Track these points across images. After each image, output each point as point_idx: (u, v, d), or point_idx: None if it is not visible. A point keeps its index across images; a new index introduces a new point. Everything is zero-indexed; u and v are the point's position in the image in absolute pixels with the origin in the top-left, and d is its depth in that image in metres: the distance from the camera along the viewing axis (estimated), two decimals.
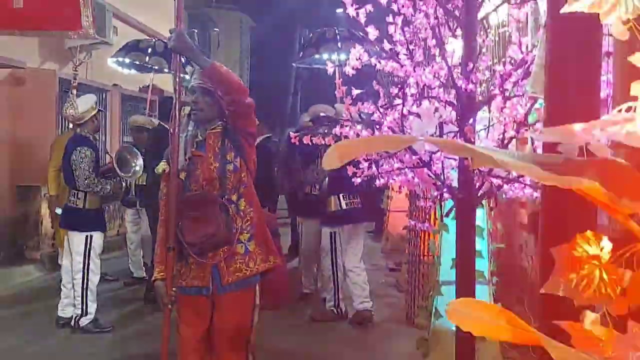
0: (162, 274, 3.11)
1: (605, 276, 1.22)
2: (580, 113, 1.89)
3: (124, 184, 6.23)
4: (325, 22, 27.69)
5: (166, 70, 9.18)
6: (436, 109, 3.17)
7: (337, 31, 7.24)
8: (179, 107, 3.31)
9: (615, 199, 1.17)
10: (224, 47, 25.06)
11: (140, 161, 6.26)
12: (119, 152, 6.16)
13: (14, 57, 8.42)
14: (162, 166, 3.35)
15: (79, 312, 5.67)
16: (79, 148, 5.63)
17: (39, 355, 5.23)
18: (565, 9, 1.10)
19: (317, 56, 7.41)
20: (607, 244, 1.23)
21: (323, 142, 3.29)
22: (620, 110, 1.18)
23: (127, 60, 9.36)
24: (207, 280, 3.12)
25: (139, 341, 5.50)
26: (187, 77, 8.95)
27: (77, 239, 5.71)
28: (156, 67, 9.25)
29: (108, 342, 5.58)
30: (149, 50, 9.11)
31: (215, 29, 19.93)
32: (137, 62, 9.28)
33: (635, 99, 1.16)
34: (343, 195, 6.01)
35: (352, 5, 3.32)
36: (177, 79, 3.36)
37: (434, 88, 3.13)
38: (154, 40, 9.57)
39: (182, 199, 3.14)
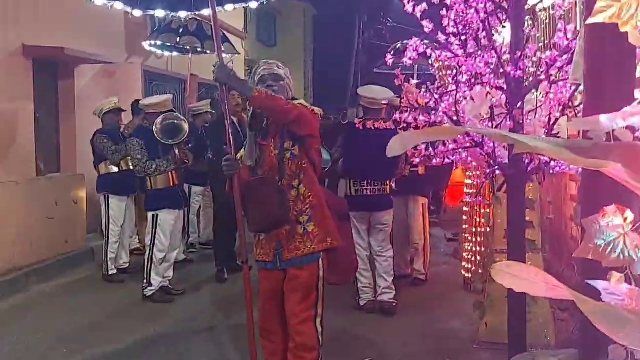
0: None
1: (627, 242, 1.35)
2: (617, 101, 1.99)
3: (182, 151, 6.03)
4: (382, 9, 27.56)
5: (199, 49, 8.93)
6: (488, 93, 3.28)
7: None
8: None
9: (636, 177, 1.29)
10: (288, 35, 25.25)
11: (187, 126, 6.10)
12: (162, 125, 5.91)
13: (104, 54, 8.83)
14: (240, 153, 3.49)
15: (145, 282, 5.92)
16: (128, 140, 6.18)
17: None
18: (590, 21, 1.23)
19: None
20: (629, 215, 1.36)
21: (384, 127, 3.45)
22: (639, 103, 1.31)
23: (158, 43, 8.95)
24: (271, 256, 3.29)
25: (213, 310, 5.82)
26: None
27: (148, 217, 6.00)
28: (188, 47, 8.87)
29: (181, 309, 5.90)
30: (181, 30, 8.70)
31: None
32: (169, 44, 8.87)
33: None
34: (354, 181, 5.44)
35: (409, 2, 3.45)
36: (226, 107, 3.37)
37: (485, 75, 3.24)
38: (185, 19, 9.00)
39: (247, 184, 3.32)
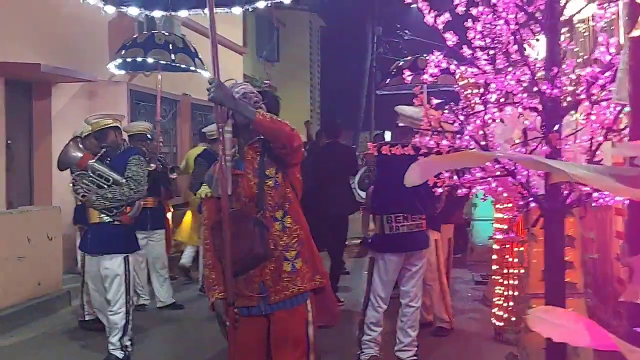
0: (221, 294, 3.30)
1: None
2: None
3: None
4: (398, 20, 27.88)
5: (193, 68, 9.13)
6: (520, 115, 3.30)
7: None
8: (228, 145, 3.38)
9: None
10: (291, 49, 25.53)
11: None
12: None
13: (85, 71, 8.96)
14: (204, 190, 3.53)
15: None
16: None
17: None
18: (634, 34, 1.26)
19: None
20: None
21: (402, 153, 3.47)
22: None
23: (150, 60, 8.83)
24: (255, 300, 3.30)
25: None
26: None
27: None
28: (183, 65, 9.04)
29: None
30: (170, 46, 8.80)
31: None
32: (163, 62, 8.86)
33: None
34: (387, 217, 5.34)
35: (429, 12, 3.50)
36: (221, 130, 3.36)
37: (517, 94, 3.26)
38: (167, 33, 9.20)
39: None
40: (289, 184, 3.35)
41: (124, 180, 5.47)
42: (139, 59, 8.92)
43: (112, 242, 5.61)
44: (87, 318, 6.64)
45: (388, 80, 8.89)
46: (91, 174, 5.49)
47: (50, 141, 8.82)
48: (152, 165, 7.08)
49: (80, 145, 5.75)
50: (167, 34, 9.23)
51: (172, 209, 8.76)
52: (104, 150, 5.63)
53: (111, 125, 5.67)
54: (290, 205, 3.33)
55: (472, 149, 3.19)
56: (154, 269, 7.52)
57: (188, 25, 12.10)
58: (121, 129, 5.92)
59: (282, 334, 3.28)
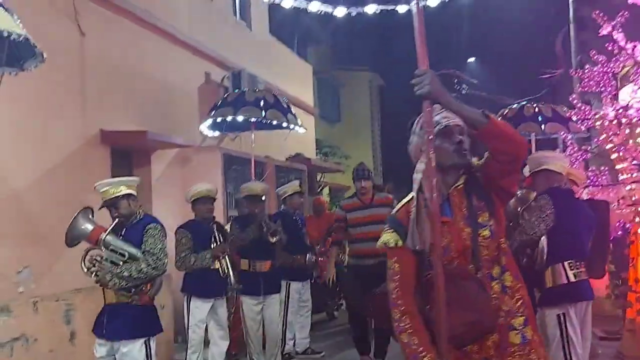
0: None
1: None
2: None
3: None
4: (455, 76, 27.82)
5: (285, 124, 8.84)
6: None
7: (537, 109, 7.79)
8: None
9: None
10: (352, 109, 25.64)
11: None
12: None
13: (182, 138, 8.97)
14: (390, 238, 2.80)
15: None
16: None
17: None
18: None
19: None
20: None
21: None
22: None
23: (240, 118, 8.56)
24: None
25: None
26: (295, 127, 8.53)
27: None
28: (275, 122, 8.76)
29: None
30: (262, 103, 8.52)
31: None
32: (254, 119, 8.59)
33: None
34: (570, 264, 4.89)
35: (626, 43, 3.30)
36: (429, 137, 2.68)
37: None
38: (257, 90, 9.16)
39: (426, 279, 2.68)
40: (503, 232, 2.72)
41: (140, 255, 4.79)
42: (229, 118, 8.67)
43: (130, 326, 4.82)
44: None
45: None
46: (104, 250, 4.80)
47: (151, 209, 8.75)
48: (276, 236, 7.01)
49: (91, 217, 4.97)
50: (257, 90, 9.11)
51: None
52: (117, 221, 4.94)
53: (124, 193, 4.95)
54: (506, 258, 2.71)
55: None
56: (270, 334, 7.28)
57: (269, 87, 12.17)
58: (135, 195, 5.06)
59: None
